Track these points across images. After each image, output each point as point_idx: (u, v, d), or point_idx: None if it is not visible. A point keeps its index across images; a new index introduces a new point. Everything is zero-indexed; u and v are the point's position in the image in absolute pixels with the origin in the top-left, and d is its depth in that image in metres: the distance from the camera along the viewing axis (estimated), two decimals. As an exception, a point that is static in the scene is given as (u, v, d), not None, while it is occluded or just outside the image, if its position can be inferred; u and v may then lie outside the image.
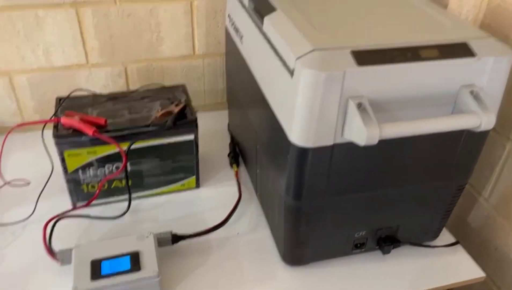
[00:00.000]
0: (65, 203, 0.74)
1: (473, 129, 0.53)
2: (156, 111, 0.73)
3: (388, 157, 0.57)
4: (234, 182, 0.82)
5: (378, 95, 0.50)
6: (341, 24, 0.56)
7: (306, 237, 0.62)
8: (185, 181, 0.79)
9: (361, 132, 0.48)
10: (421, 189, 0.62)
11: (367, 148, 0.53)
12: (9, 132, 0.70)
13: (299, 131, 0.51)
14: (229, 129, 0.96)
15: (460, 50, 0.52)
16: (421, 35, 0.54)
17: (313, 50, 0.49)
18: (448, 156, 0.59)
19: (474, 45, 0.53)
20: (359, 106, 0.49)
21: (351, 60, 0.49)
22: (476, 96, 0.53)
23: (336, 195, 0.58)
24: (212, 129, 0.96)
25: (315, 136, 0.51)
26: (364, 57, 0.49)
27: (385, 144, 0.52)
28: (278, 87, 0.56)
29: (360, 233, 0.65)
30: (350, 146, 0.53)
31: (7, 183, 0.77)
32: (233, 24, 0.76)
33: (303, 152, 0.53)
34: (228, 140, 0.93)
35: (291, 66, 0.51)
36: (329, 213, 0.60)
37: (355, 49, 0.50)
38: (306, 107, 0.49)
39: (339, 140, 0.52)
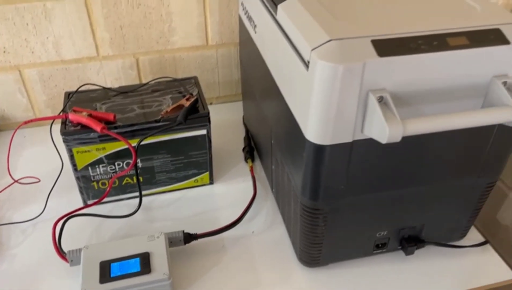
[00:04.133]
0: (76, 200, 0.73)
1: (506, 124, 0.48)
2: (166, 105, 0.70)
3: (412, 153, 0.53)
4: (249, 178, 0.79)
5: (401, 88, 0.46)
6: (361, 11, 0.52)
7: (324, 238, 0.59)
8: (198, 177, 0.76)
9: (382, 129, 0.44)
10: (448, 186, 0.58)
11: (389, 145, 0.49)
12: (15, 131, 0.68)
13: (315, 127, 0.48)
14: (244, 122, 0.93)
15: (492, 37, 0.47)
16: (449, 21, 0.49)
17: (329, 40, 0.45)
18: (477, 152, 0.55)
19: (507, 32, 0.48)
20: (380, 100, 0.45)
21: (371, 50, 0.45)
22: (509, 88, 0.48)
23: (356, 195, 0.55)
24: (227, 122, 0.93)
25: (332, 133, 0.48)
26: (386, 47, 0.45)
27: (409, 141, 0.48)
28: (293, 80, 0.52)
29: (382, 233, 0.61)
30: (371, 143, 0.49)
31: (16, 181, 0.76)
32: (246, 12, 0.72)
33: (319, 150, 0.49)
34: (243, 134, 0.90)
35: (306, 58, 0.47)
36: (348, 213, 0.57)
37: (376, 38, 0.46)
38: (323, 102, 0.46)
39: (359, 137, 0.49)
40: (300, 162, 0.53)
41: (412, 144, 0.51)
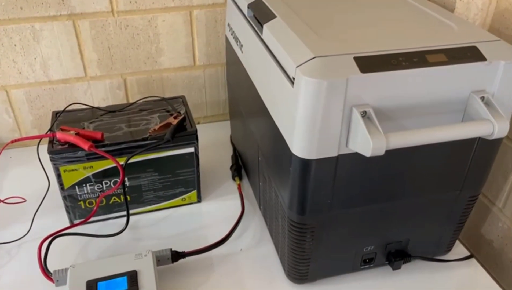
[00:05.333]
0: (63, 220, 0.72)
1: (486, 137, 0.50)
2: (154, 124, 0.71)
3: (396, 167, 0.54)
4: (237, 196, 0.80)
5: (383, 102, 0.48)
6: (344, 29, 0.54)
7: (312, 253, 0.59)
8: (185, 196, 0.76)
9: (366, 143, 0.45)
10: (431, 200, 0.59)
11: (374, 159, 0.50)
12: (2, 149, 0.68)
13: (301, 142, 0.49)
14: (231, 141, 0.93)
15: (470, 54, 0.50)
16: (428, 39, 0.51)
17: (313, 58, 0.47)
18: (459, 165, 0.56)
19: (483, 49, 0.50)
20: (364, 114, 0.47)
21: (354, 66, 0.46)
22: (487, 102, 0.50)
23: (342, 209, 0.55)
24: (214, 141, 0.94)
25: (318, 147, 0.49)
26: (368, 63, 0.46)
27: (393, 154, 0.50)
28: (279, 97, 0.53)
29: (369, 248, 0.62)
30: (356, 157, 0.50)
31: (2, 201, 0.75)
32: (233, 33, 0.74)
33: (305, 164, 0.50)
34: (231, 152, 0.90)
35: (292, 75, 0.48)
36: (335, 227, 0.57)
37: (358, 55, 0.47)
38: (308, 117, 0.47)
39: (344, 151, 0.50)
40: (287, 177, 0.54)
41: (396, 158, 0.53)
